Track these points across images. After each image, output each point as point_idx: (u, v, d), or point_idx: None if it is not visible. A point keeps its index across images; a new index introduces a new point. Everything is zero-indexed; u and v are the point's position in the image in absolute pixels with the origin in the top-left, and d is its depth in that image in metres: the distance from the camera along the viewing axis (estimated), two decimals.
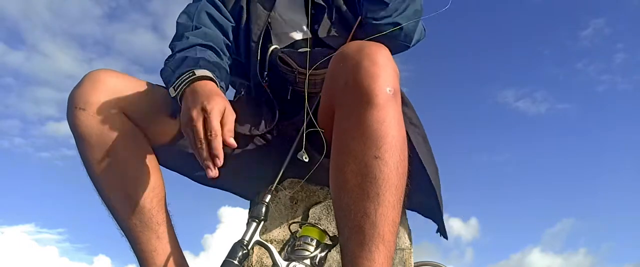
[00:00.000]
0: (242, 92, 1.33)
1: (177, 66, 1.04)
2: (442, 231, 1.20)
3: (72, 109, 1.02)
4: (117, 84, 1.05)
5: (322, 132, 1.07)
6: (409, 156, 0.93)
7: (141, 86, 1.11)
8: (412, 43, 1.21)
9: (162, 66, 1.10)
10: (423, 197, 1.14)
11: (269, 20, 1.26)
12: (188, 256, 1.12)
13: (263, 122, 1.18)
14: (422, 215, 1.23)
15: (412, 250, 1.20)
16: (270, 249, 0.87)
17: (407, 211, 1.24)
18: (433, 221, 1.21)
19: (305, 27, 1.27)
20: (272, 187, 0.96)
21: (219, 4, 1.25)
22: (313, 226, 0.92)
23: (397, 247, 1.15)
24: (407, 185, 0.90)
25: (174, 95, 0.99)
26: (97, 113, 1.02)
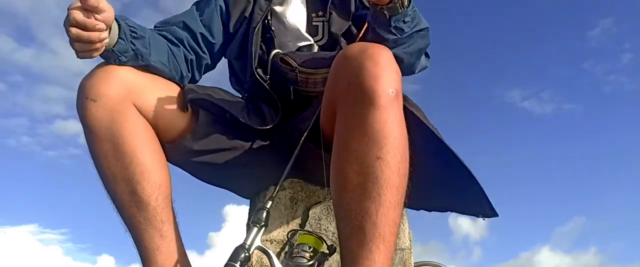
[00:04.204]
0: (246, 95, 1.31)
1: None
2: (492, 212, 1.15)
3: (83, 100, 0.98)
4: (129, 76, 1.02)
5: (323, 132, 1.05)
6: (410, 157, 0.90)
7: (153, 80, 1.08)
8: (415, 72, 1.20)
9: None
10: (462, 192, 1.11)
11: (273, 28, 1.26)
12: (193, 254, 1.09)
13: (268, 118, 1.16)
14: (466, 213, 1.20)
15: (412, 250, 1.17)
16: (270, 256, 0.85)
17: (407, 211, 1.21)
18: (474, 212, 1.17)
19: (308, 36, 1.27)
20: (273, 192, 0.94)
21: (207, 16, 1.27)
22: (310, 233, 0.91)
23: (397, 247, 1.12)
24: (407, 186, 0.88)
25: None
26: (108, 105, 0.98)
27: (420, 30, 1.08)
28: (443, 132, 1.08)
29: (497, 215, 1.16)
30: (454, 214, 1.25)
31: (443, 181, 1.11)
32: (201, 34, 1.26)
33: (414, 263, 1.19)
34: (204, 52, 1.25)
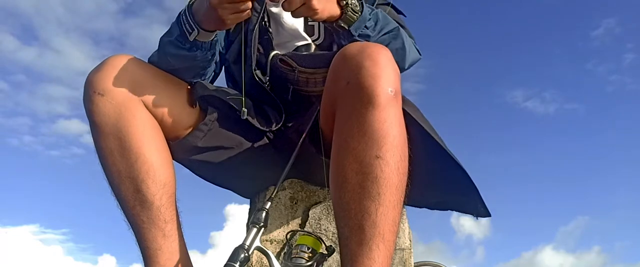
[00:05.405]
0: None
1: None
2: (485, 211, 1.14)
3: (90, 94, 0.97)
4: (138, 72, 1.01)
5: (322, 132, 1.05)
6: (410, 156, 0.89)
7: (162, 76, 1.07)
8: (404, 69, 1.17)
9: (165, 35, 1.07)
10: (458, 193, 1.11)
11: (270, 30, 1.25)
12: (195, 254, 1.08)
13: (272, 120, 1.15)
14: (461, 211, 1.19)
15: (412, 250, 1.16)
16: (269, 256, 0.85)
17: (407, 212, 1.21)
18: (470, 211, 1.16)
19: (306, 36, 1.26)
20: (273, 193, 0.93)
21: None
22: (309, 234, 0.90)
23: (397, 247, 1.12)
24: (407, 185, 0.87)
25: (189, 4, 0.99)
26: (116, 100, 0.97)
27: (390, 31, 1.08)
28: (447, 131, 1.08)
29: (490, 215, 1.15)
30: (455, 213, 1.24)
31: (441, 180, 1.10)
32: (219, 46, 1.24)
33: (414, 263, 1.18)
34: (216, 64, 1.24)
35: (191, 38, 1.01)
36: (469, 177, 1.07)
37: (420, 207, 1.24)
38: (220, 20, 0.93)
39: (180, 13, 1.02)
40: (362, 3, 1.03)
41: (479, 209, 1.14)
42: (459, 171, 1.06)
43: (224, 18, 0.93)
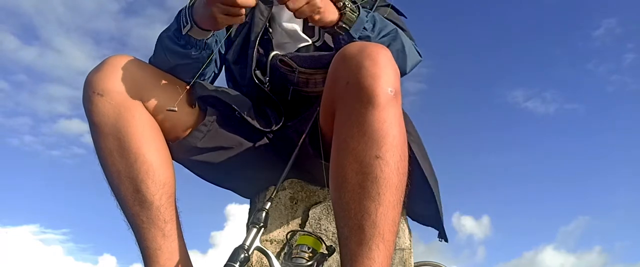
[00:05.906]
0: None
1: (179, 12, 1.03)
2: (443, 236, 1.18)
3: (90, 94, 0.97)
4: (137, 72, 1.01)
5: (322, 132, 1.05)
6: (409, 156, 0.89)
7: (161, 76, 1.07)
8: (406, 72, 1.18)
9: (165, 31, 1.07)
10: (423, 207, 1.13)
11: (270, 30, 1.25)
12: (196, 254, 1.08)
13: (271, 120, 1.15)
14: (423, 224, 1.22)
15: (412, 250, 1.15)
16: (269, 256, 0.85)
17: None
18: (434, 227, 1.19)
19: (306, 37, 1.26)
20: (272, 194, 0.93)
21: None
22: (309, 234, 0.90)
23: (397, 247, 1.11)
24: (407, 185, 0.87)
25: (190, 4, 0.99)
26: (115, 100, 0.97)
27: (388, 33, 1.09)
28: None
29: (447, 241, 1.19)
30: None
31: (419, 196, 1.11)
32: (220, 47, 1.24)
33: (414, 263, 1.18)
34: (216, 64, 1.24)
35: (184, 32, 1.01)
36: (436, 200, 1.10)
37: (414, 220, 1.25)
38: (212, 18, 0.93)
39: (181, 9, 1.03)
40: (358, 6, 1.03)
41: (442, 232, 1.18)
42: (430, 194, 1.09)
43: (216, 17, 0.93)
